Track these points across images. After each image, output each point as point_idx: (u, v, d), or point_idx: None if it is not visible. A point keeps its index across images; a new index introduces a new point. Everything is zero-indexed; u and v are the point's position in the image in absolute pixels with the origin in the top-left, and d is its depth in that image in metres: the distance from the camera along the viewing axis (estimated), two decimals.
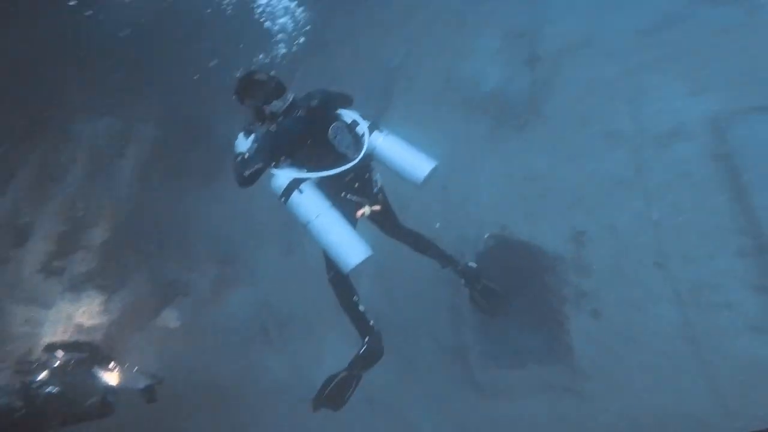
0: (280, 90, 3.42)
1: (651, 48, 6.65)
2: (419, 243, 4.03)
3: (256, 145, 3.22)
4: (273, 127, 3.28)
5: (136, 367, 4.86)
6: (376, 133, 3.58)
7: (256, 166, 3.13)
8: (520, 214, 6.32)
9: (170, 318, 7.07)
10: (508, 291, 4.60)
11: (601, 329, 5.63)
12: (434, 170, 3.60)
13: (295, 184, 3.24)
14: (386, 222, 3.85)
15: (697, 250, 5.55)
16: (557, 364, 5.72)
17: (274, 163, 3.29)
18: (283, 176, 3.27)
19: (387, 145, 3.56)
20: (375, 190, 3.51)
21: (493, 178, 6.60)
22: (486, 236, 6.43)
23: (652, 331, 5.41)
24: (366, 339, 3.42)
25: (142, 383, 4.59)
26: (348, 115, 3.56)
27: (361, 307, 3.49)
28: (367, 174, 3.49)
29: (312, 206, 3.23)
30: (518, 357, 5.90)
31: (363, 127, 3.51)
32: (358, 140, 3.39)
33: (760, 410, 4.61)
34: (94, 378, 4.43)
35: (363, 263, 3.23)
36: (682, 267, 5.54)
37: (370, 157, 3.53)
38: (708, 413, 4.73)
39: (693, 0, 6.77)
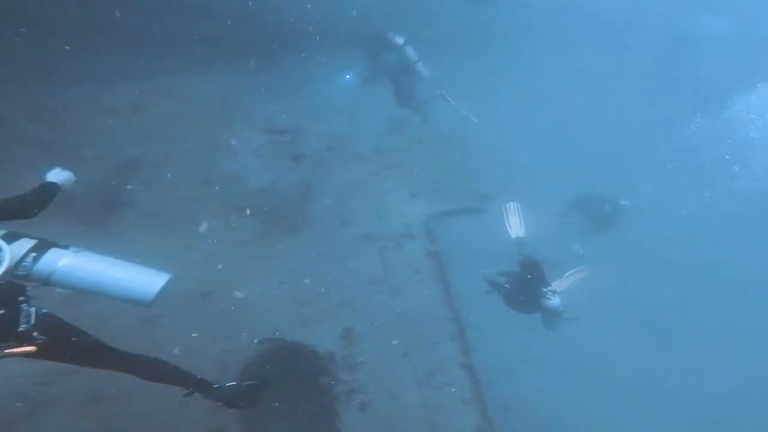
0: None
1: (384, 153, 7.75)
2: (158, 370, 3.05)
3: None
4: None
5: None
6: (53, 253, 2.68)
7: None
8: (292, 317, 6.28)
9: None
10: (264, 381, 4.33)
11: (367, 422, 6.33)
12: (168, 283, 2.82)
13: None
14: (72, 357, 2.86)
15: (428, 338, 7.01)
16: None
17: None
18: None
19: (76, 265, 2.67)
20: (22, 327, 2.59)
21: (263, 286, 6.28)
22: (255, 342, 6.09)
23: (403, 417, 6.50)
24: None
25: None
26: None
27: None
28: (2, 310, 2.55)
29: None
30: None
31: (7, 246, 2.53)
32: None
33: None
34: None
35: None
36: (420, 355, 6.87)
37: (11, 289, 2.63)
38: None
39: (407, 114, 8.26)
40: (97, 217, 5.80)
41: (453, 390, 6.86)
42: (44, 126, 6.41)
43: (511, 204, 7.40)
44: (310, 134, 7.45)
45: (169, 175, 6.17)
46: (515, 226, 7.29)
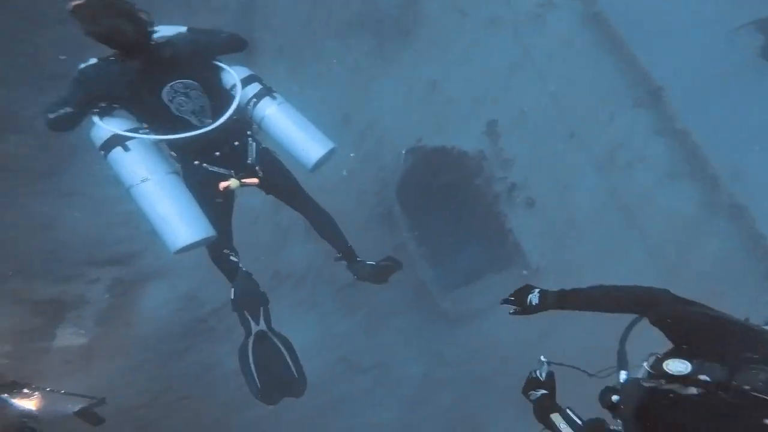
0: (137, 23, 2.50)
1: None
2: (323, 227, 3.33)
3: (70, 82, 2.61)
4: (100, 65, 2.65)
5: (63, 390, 3.71)
6: (266, 101, 3.07)
7: (62, 111, 2.56)
8: (430, 123, 5.80)
9: (70, 336, 5.43)
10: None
11: (538, 218, 5.54)
12: (329, 153, 3.12)
13: (118, 140, 2.72)
14: (281, 194, 3.27)
15: (598, 112, 5.64)
16: (510, 267, 5.56)
17: (93, 110, 2.67)
18: (105, 128, 2.68)
19: (276, 118, 3.06)
20: (249, 160, 3.02)
21: (394, 96, 5.92)
22: (404, 152, 5.85)
23: (585, 207, 5.46)
24: (234, 282, 3.06)
25: (75, 406, 3.65)
26: (232, 72, 2.93)
27: (233, 257, 3.08)
28: (237, 142, 2.99)
29: (137, 168, 2.72)
30: (474, 273, 5.65)
31: (242, 90, 2.92)
32: (224, 104, 2.80)
33: (694, 264, 4.89)
34: (6, 405, 3.41)
35: (193, 245, 2.73)
36: (591, 132, 5.59)
37: (244, 123, 3.06)
38: (650, 276, 4.94)
39: None
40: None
41: (646, 168, 5.43)
42: None
43: None
44: None
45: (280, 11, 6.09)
46: None
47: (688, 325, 1.30)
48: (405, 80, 5.88)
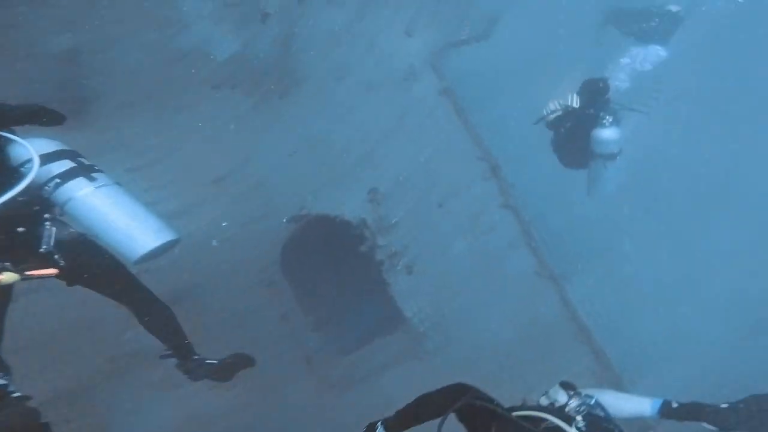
0: None
1: None
2: (153, 322, 2.88)
3: None
4: None
5: None
6: (77, 182, 2.67)
7: None
8: (314, 187, 5.39)
9: None
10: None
11: (418, 283, 5.73)
12: (162, 247, 2.74)
13: None
14: (94, 285, 2.83)
15: (459, 181, 6.19)
16: (395, 333, 5.58)
17: None
18: None
19: (88, 202, 2.69)
20: (43, 248, 2.61)
21: (276, 158, 5.27)
22: (285, 221, 5.26)
23: (456, 271, 5.90)
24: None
25: None
26: (26, 145, 2.51)
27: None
28: (22, 228, 2.57)
29: None
30: (361, 339, 5.56)
31: (42, 167, 2.50)
32: (6, 183, 2.40)
33: (540, 317, 5.87)
34: None
35: None
36: (455, 201, 6.10)
37: (42, 206, 2.65)
38: (509, 333, 5.68)
39: None
40: (73, 119, 4.57)
41: (497, 235, 6.22)
42: None
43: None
44: None
45: (122, 60, 4.83)
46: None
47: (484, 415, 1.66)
48: (286, 142, 5.34)
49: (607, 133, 4.33)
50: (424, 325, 5.69)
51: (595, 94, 4.29)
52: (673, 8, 7.49)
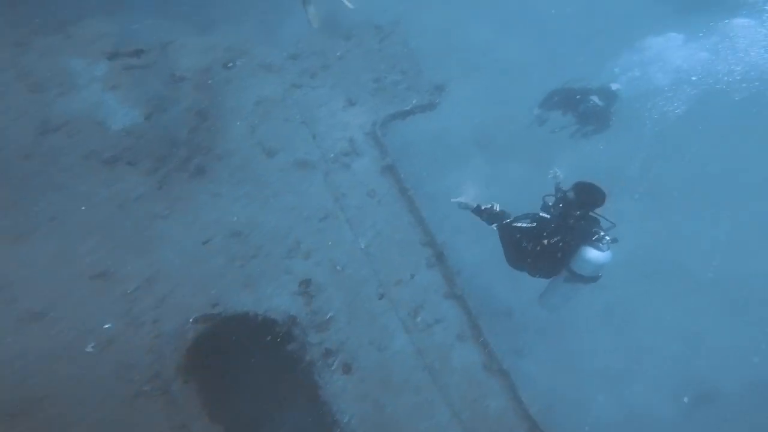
0: None
1: (304, 58, 6.12)
2: None
3: None
4: None
5: None
6: None
7: None
8: (231, 280, 4.78)
9: None
10: None
11: (357, 383, 5.13)
12: None
13: None
14: None
15: (401, 271, 5.76)
16: None
17: None
18: None
19: None
20: None
21: (182, 248, 4.65)
22: (191, 321, 4.58)
23: (397, 369, 5.35)
24: None
25: None
26: None
27: None
28: None
29: None
30: None
31: None
32: None
33: (489, 412, 5.39)
34: None
35: None
36: (397, 292, 5.64)
37: None
38: (449, 425, 5.21)
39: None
40: None
41: (442, 328, 5.76)
42: None
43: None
44: (187, 49, 5.54)
45: None
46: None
47: None
48: (197, 228, 4.77)
49: (599, 255, 3.70)
50: (362, 428, 5.03)
51: (592, 205, 3.72)
52: (613, 86, 7.66)
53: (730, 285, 9.60)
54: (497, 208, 4.34)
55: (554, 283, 3.97)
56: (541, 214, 3.82)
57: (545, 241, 3.74)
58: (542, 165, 5.57)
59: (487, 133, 8.81)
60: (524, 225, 3.85)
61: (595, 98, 6.98)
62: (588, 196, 3.55)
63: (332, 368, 5.11)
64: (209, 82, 5.36)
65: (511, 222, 3.88)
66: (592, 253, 3.61)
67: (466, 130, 8.48)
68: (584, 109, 6.96)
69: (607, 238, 3.66)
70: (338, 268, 5.34)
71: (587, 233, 3.64)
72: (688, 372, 9.08)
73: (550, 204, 3.95)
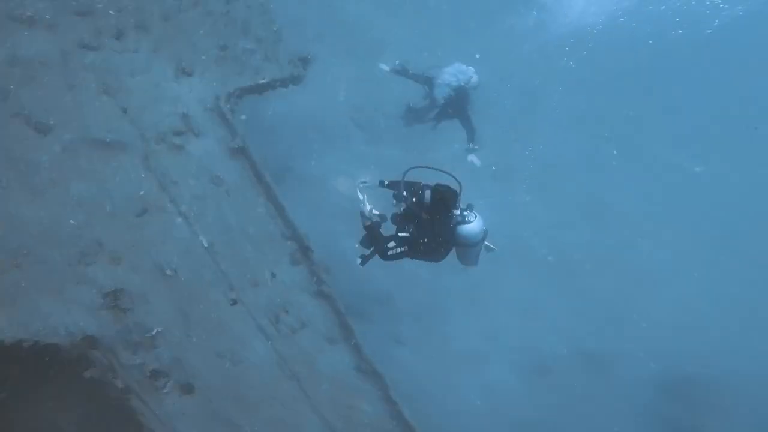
0: None
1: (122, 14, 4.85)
2: None
3: None
4: None
5: None
6: None
7: None
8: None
9: None
10: None
11: (201, 404, 4.22)
12: None
13: None
14: None
15: (258, 270, 4.90)
16: None
17: None
18: None
19: None
20: None
21: None
22: None
23: (256, 383, 4.54)
24: None
25: None
26: None
27: None
28: None
29: None
30: None
31: None
32: None
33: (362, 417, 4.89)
34: None
35: None
36: (254, 295, 4.78)
37: None
38: None
39: None
40: None
41: (309, 333, 5.03)
42: None
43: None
44: None
45: None
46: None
47: None
48: None
49: (472, 227, 3.71)
50: None
51: (445, 202, 3.69)
52: (470, 73, 7.28)
53: (559, 259, 10.31)
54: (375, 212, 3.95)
55: (458, 251, 3.84)
56: (400, 234, 3.63)
57: (422, 247, 3.78)
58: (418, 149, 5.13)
59: (367, 113, 8.16)
60: (399, 250, 3.82)
61: (449, 85, 6.73)
62: (442, 201, 3.49)
63: (164, 391, 4.07)
64: None
65: (386, 250, 3.83)
66: (465, 229, 3.75)
67: (343, 110, 7.71)
68: (439, 95, 6.75)
69: (466, 212, 3.75)
70: (168, 272, 4.28)
71: (449, 219, 3.51)
72: (529, 344, 9.48)
73: (401, 212, 3.78)
